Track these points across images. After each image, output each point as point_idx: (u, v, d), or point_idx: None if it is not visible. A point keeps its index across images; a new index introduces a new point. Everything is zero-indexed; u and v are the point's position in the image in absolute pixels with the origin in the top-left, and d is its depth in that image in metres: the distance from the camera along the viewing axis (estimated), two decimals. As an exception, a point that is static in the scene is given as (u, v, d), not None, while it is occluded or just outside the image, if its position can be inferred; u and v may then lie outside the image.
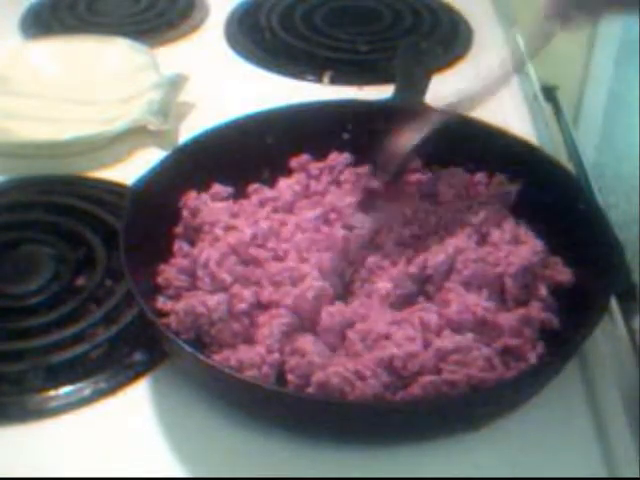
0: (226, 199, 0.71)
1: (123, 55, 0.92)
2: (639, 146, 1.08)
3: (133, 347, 0.64)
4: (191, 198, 0.69)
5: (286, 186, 0.72)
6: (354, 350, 0.59)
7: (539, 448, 0.58)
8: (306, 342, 0.59)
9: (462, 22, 1.06)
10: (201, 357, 0.56)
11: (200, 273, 0.63)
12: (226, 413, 0.59)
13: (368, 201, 0.70)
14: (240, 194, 0.72)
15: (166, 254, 0.67)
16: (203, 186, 0.71)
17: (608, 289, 0.60)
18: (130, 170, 0.76)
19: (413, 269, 0.64)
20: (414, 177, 0.73)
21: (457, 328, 0.59)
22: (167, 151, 0.73)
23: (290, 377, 0.57)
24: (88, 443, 0.59)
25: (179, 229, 0.69)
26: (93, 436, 0.59)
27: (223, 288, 0.62)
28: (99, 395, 0.61)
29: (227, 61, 0.99)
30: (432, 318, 0.60)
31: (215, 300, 0.61)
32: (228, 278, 0.63)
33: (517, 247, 0.66)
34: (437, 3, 1.09)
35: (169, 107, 0.85)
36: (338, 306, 0.62)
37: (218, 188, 0.71)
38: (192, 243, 0.68)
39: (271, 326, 0.60)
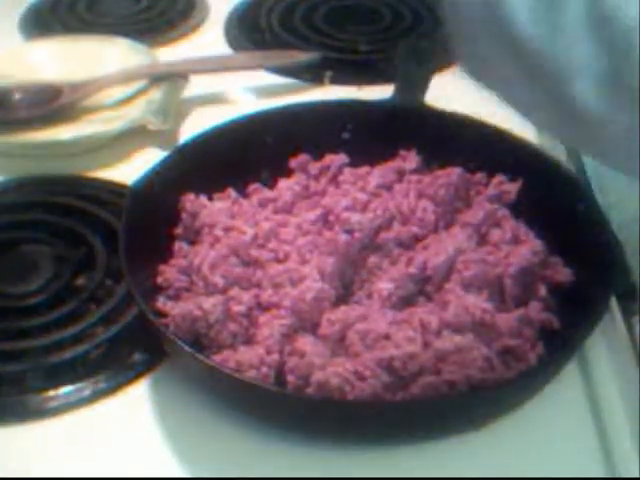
0: (226, 200, 0.71)
1: (123, 55, 0.91)
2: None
3: (133, 347, 0.64)
4: (189, 201, 0.69)
5: (286, 187, 0.72)
6: (354, 350, 0.59)
7: (539, 448, 0.58)
8: (305, 343, 0.59)
9: (462, 22, 1.06)
10: (201, 357, 0.56)
11: (194, 277, 0.64)
12: (226, 413, 0.59)
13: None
14: (239, 194, 0.72)
15: (166, 254, 0.67)
16: (203, 186, 0.70)
17: (608, 289, 0.60)
18: (130, 170, 0.76)
19: (413, 270, 0.64)
20: (414, 177, 0.73)
21: (456, 329, 0.59)
22: (167, 151, 0.73)
23: (290, 377, 0.57)
24: (88, 443, 0.59)
25: (179, 230, 0.69)
26: (93, 436, 0.59)
27: (217, 291, 0.62)
28: (99, 395, 0.61)
29: (227, 61, 0.99)
30: (432, 319, 0.60)
31: (211, 303, 0.60)
32: (221, 281, 0.62)
33: (517, 247, 0.66)
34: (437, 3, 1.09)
35: (169, 107, 0.85)
36: (338, 312, 0.61)
37: (221, 194, 0.71)
38: (192, 244, 0.68)
39: (271, 327, 0.60)
